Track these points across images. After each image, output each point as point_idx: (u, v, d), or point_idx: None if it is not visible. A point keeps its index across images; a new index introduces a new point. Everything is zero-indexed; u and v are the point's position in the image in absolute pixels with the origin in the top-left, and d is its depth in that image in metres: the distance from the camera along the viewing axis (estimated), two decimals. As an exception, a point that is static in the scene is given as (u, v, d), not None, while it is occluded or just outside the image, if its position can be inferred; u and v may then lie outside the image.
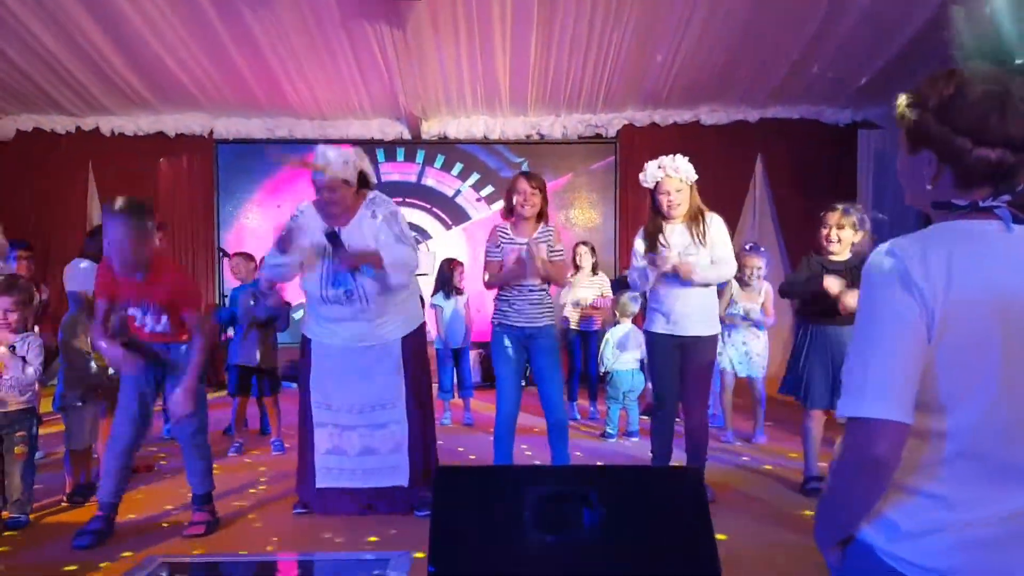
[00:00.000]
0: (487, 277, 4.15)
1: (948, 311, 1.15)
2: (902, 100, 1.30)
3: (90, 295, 4.16)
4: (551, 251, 4.11)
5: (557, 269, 4.14)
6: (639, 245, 4.10)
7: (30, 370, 3.72)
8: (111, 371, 4.13)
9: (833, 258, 4.14)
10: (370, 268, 3.62)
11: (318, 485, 3.82)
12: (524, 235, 4.09)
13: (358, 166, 3.75)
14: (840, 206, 4.20)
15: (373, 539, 3.50)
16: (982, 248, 1.19)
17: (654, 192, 4.02)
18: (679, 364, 4.01)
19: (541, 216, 4.13)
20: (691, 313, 3.95)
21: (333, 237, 3.61)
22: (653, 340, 4.08)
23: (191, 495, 3.75)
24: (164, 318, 3.58)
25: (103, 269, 3.59)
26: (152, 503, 4.11)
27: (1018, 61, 5.20)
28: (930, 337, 1.16)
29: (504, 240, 4.11)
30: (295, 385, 5.41)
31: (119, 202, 3.38)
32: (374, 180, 3.92)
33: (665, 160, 3.97)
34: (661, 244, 3.99)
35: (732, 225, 6.23)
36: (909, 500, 1.21)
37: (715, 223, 4.03)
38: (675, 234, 4.00)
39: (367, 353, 3.76)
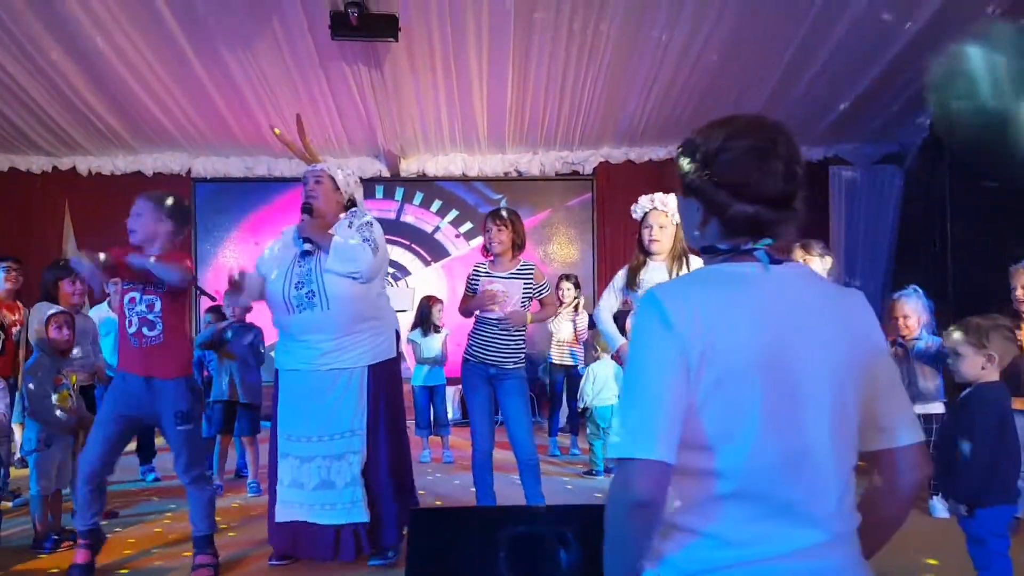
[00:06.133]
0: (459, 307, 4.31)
1: (708, 352, 1.16)
2: (680, 147, 1.34)
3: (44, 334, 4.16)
4: (536, 288, 4.19)
5: (544, 304, 4.26)
6: (618, 279, 4.12)
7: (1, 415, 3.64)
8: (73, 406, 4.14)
9: None
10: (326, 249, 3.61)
11: (276, 519, 3.67)
12: (501, 270, 4.18)
13: (352, 186, 3.85)
14: (798, 242, 4.26)
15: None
16: (742, 289, 1.22)
17: (641, 225, 4.04)
18: None
19: (518, 248, 4.23)
20: None
21: (307, 209, 3.67)
22: None
23: (192, 537, 3.66)
24: (158, 305, 3.53)
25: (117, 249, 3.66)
26: (114, 549, 4.03)
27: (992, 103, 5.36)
28: (691, 378, 1.16)
29: (481, 275, 4.23)
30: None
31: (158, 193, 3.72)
32: (363, 210, 3.93)
33: (657, 195, 4.00)
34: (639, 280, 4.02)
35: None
36: (687, 540, 1.20)
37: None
38: (655, 272, 3.98)
39: (328, 377, 3.62)
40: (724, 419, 1.17)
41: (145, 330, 3.54)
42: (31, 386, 4.05)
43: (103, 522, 3.83)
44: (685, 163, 1.31)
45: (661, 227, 3.95)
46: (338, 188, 3.79)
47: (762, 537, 1.17)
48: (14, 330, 5.17)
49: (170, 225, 3.64)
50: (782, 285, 1.24)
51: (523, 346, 4.20)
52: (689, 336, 1.16)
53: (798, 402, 1.18)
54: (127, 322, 3.58)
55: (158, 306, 3.55)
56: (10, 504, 4.82)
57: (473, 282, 4.24)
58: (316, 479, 3.60)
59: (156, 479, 5.72)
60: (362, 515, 3.59)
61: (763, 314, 1.20)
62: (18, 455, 5.34)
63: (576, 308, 6.71)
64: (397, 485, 3.74)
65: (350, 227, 3.68)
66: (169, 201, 3.67)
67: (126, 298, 3.61)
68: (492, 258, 4.24)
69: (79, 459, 3.67)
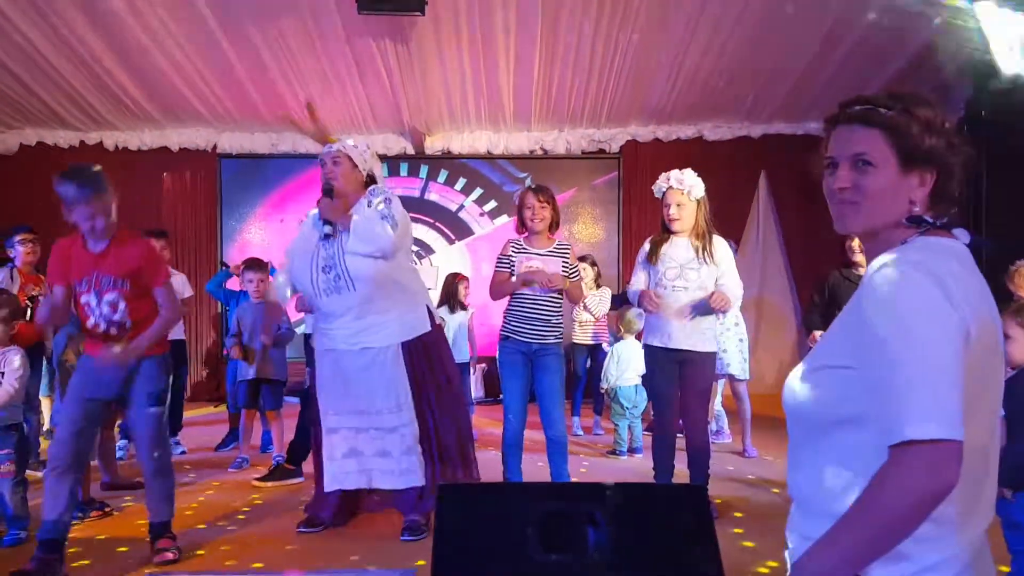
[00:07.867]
0: (491, 286, 4.24)
1: (973, 329, 1.13)
2: (900, 118, 1.25)
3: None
4: (572, 269, 4.20)
5: (574, 286, 4.22)
6: (642, 253, 4.13)
7: (10, 387, 3.65)
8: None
9: (860, 271, 4.15)
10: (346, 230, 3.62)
11: (327, 488, 3.79)
12: (537, 247, 4.18)
13: (369, 161, 3.83)
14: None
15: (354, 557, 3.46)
16: (969, 267, 1.21)
17: (661, 204, 4.05)
18: (677, 379, 3.99)
19: (553, 227, 4.24)
20: (689, 328, 3.93)
21: (327, 191, 3.68)
22: (651, 354, 4.07)
23: (151, 524, 3.41)
24: (122, 304, 3.24)
25: (57, 250, 3.31)
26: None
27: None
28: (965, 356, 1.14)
29: (516, 250, 4.19)
30: (297, 400, 5.36)
31: (75, 169, 3.29)
32: (383, 185, 3.91)
33: (674, 172, 3.99)
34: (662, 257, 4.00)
35: (735, 240, 6.26)
36: (923, 529, 1.11)
37: (721, 247, 4.02)
38: (678, 248, 3.99)
39: (363, 356, 3.68)
40: (972, 400, 1.12)
41: (114, 330, 3.26)
42: (62, 359, 4.09)
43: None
44: (926, 134, 1.24)
45: (679, 205, 3.96)
46: (356, 166, 3.78)
47: (976, 519, 1.17)
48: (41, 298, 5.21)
49: (112, 197, 3.25)
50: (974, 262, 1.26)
51: (562, 321, 4.20)
52: (965, 313, 1.13)
53: (1001, 381, 1.21)
54: (90, 323, 3.27)
55: (123, 305, 3.25)
56: (39, 474, 4.88)
57: (508, 259, 4.17)
58: (373, 448, 3.73)
59: (183, 452, 5.76)
60: (418, 479, 3.72)
61: (986, 293, 1.21)
62: (47, 426, 5.41)
63: (597, 284, 6.64)
64: (443, 458, 3.81)
65: (369, 206, 3.69)
66: (96, 171, 3.27)
67: (82, 300, 3.25)
68: (527, 235, 4.22)
69: (48, 448, 3.38)
